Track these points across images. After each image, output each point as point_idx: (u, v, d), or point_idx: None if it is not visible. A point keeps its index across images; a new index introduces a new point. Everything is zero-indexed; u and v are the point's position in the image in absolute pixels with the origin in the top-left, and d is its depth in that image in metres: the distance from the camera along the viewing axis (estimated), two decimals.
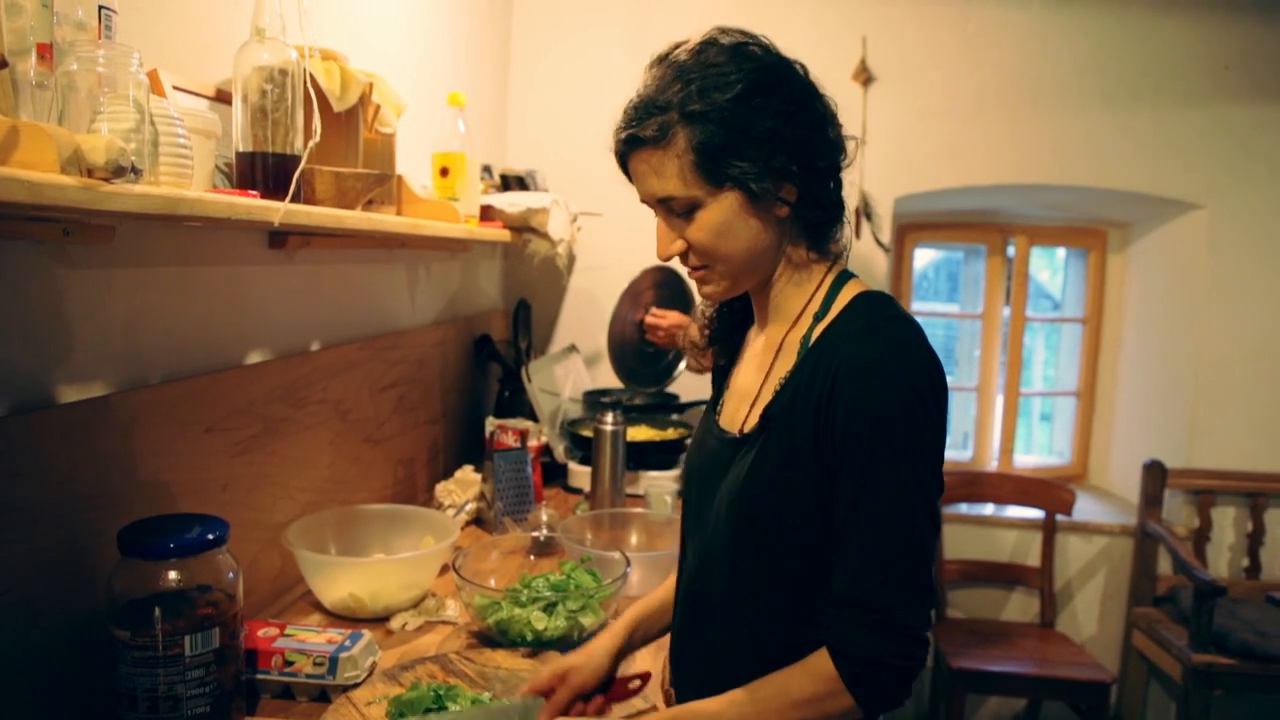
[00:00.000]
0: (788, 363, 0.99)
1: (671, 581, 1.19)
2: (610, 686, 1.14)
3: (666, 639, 1.18)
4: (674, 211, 0.98)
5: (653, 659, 1.32)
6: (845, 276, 1.03)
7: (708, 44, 0.95)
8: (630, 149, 0.97)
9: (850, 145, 1.01)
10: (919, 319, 1.02)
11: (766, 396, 1.00)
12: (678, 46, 0.97)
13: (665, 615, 1.19)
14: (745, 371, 1.09)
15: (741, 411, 1.05)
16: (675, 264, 1.06)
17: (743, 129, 0.92)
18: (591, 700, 1.12)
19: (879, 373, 0.89)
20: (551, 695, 1.10)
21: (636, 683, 1.16)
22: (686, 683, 1.10)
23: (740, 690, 0.94)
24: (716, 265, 0.99)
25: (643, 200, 1.01)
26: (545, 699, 1.10)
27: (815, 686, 0.90)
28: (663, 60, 0.97)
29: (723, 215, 0.95)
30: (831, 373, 0.91)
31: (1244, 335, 3.00)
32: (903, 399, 0.89)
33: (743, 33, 0.96)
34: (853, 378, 0.89)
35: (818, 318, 0.99)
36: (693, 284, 1.06)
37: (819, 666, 0.91)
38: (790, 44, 1.00)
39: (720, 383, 1.16)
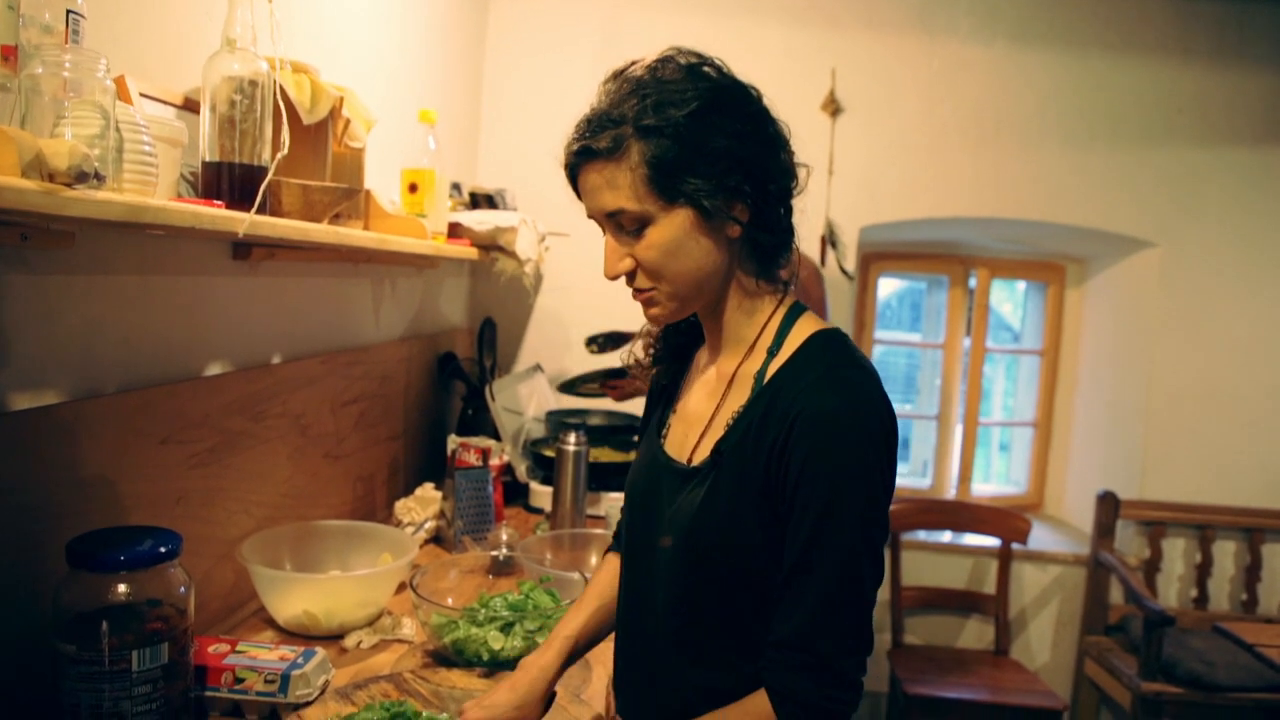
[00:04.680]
0: (741, 397, 0.99)
1: (600, 582, 1.19)
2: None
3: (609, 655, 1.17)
4: (623, 228, 0.96)
5: (600, 682, 1.31)
6: (798, 310, 1.02)
7: (664, 61, 0.95)
8: (582, 161, 0.95)
9: (802, 173, 1.00)
10: (882, 347, 1.04)
11: (718, 430, 0.99)
12: (633, 63, 0.97)
13: (603, 621, 1.17)
14: (696, 398, 1.08)
15: (690, 440, 1.04)
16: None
17: (697, 145, 0.91)
18: None
19: (838, 427, 0.90)
20: None
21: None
22: (631, 712, 1.09)
23: None
24: (664, 285, 0.97)
25: (590, 216, 0.99)
26: None
27: None
28: (618, 75, 0.96)
29: (673, 233, 0.94)
30: (789, 419, 0.91)
31: (1195, 371, 3.08)
32: (860, 454, 0.90)
33: (698, 54, 0.96)
34: (811, 428, 0.90)
35: (771, 352, 0.98)
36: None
37: (757, 708, 0.91)
38: (761, 73, 1.02)
39: (663, 404, 1.14)
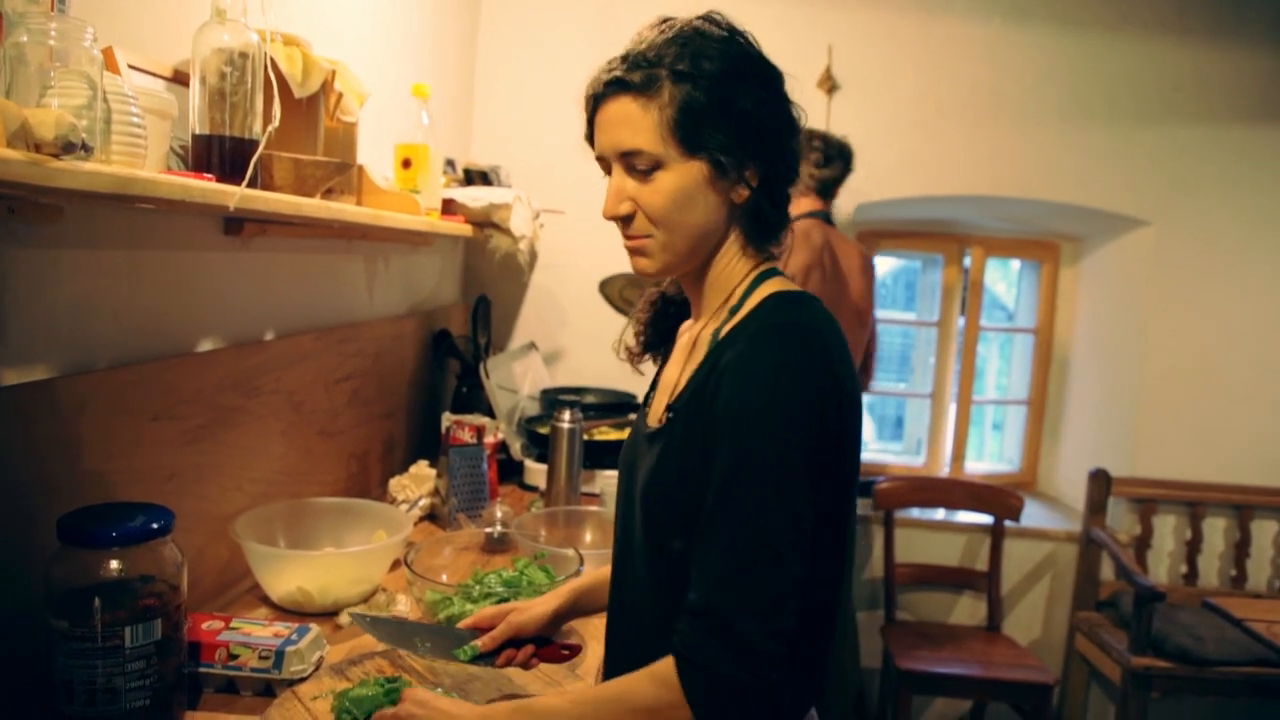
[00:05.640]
0: (699, 357, 0.99)
1: None
2: (545, 642, 1.18)
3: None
4: (634, 169, 0.95)
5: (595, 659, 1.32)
6: (768, 274, 1.01)
7: (704, 19, 0.97)
8: (611, 92, 0.95)
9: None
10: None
11: (679, 392, 1.00)
12: (671, 18, 0.98)
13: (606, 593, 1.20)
14: (672, 364, 1.09)
15: (661, 405, 1.05)
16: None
17: (726, 102, 0.92)
18: (523, 648, 1.16)
19: (756, 374, 0.87)
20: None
21: (566, 652, 1.19)
22: (615, 674, 1.10)
23: (589, 688, 0.95)
24: (660, 235, 0.96)
25: (600, 154, 0.98)
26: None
27: (656, 694, 0.86)
28: (656, 25, 0.97)
29: (685, 182, 0.94)
30: (719, 373, 0.90)
31: (1187, 349, 3.09)
32: (776, 409, 0.86)
33: (734, 26, 0.98)
34: (730, 380, 0.88)
35: (733, 311, 0.98)
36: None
37: (664, 672, 0.86)
38: None
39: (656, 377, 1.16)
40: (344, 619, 1.42)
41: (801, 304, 0.96)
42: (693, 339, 1.04)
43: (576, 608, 1.21)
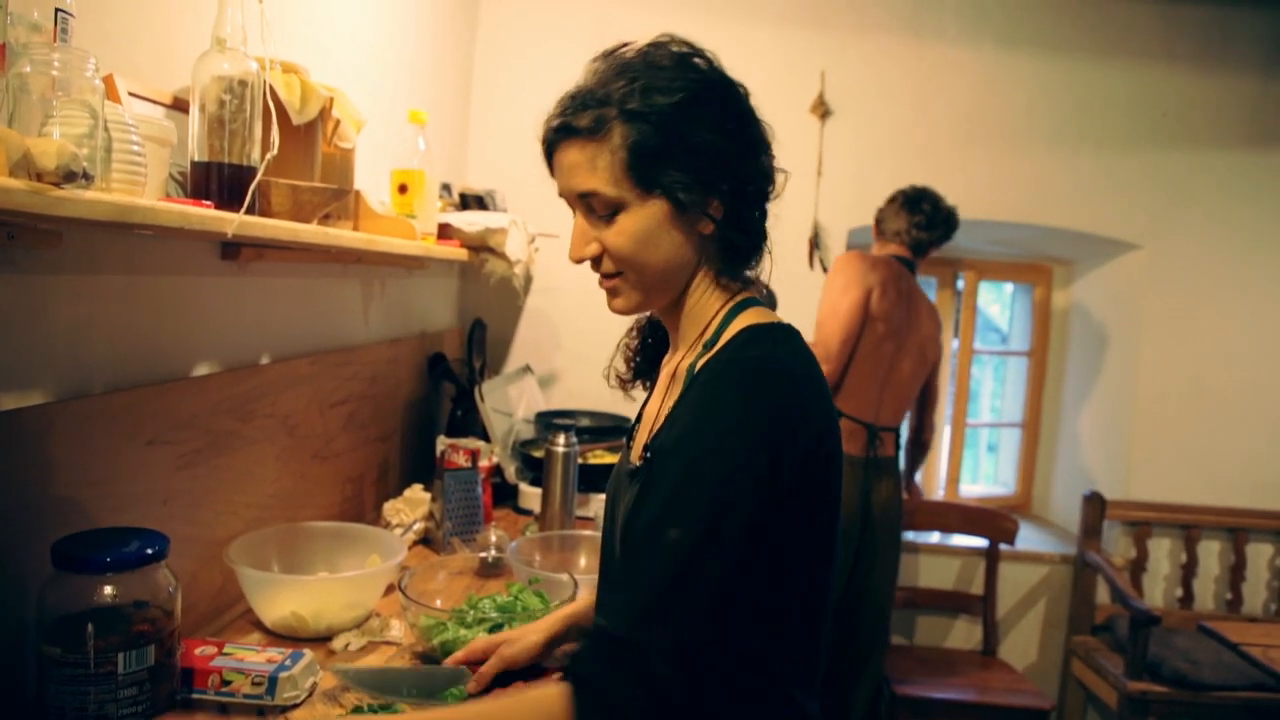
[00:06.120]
0: (676, 392, 0.97)
1: None
2: (539, 671, 1.18)
3: None
4: (594, 211, 0.94)
5: None
6: (744, 304, 0.98)
7: (655, 47, 0.93)
8: (560, 138, 0.93)
9: (780, 178, 0.99)
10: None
11: (657, 428, 0.98)
12: (624, 45, 0.95)
13: None
14: (653, 399, 1.08)
15: (641, 442, 1.03)
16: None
17: (680, 137, 0.89)
18: (512, 685, 1.15)
19: (712, 406, 0.85)
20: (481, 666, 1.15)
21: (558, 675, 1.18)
22: None
23: (472, 704, 0.95)
24: (630, 274, 0.95)
25: (562, 194, 0.97)
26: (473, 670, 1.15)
27: (532, 711, 0.80)
28: (608, 55, 0.95)
29: (646, 223, 0.92)
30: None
31: (1180, 372, 3.10)
32: (725, 438, 0.83)
33: (690, 45, 0.94)
34: (690, 409, 0.87)
35: (708, 346, 0.96)
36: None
37: (551, 698, 0.79)
38: (750, 75, 1.02)
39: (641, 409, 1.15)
40: (338, 644, 1.42)
41: (775, 338, 0.93)
42: (671, 372, 1.03)
43: (569, 635, 1.20)
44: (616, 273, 0.96)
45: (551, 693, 0.80)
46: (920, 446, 2.89)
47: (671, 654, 0.77)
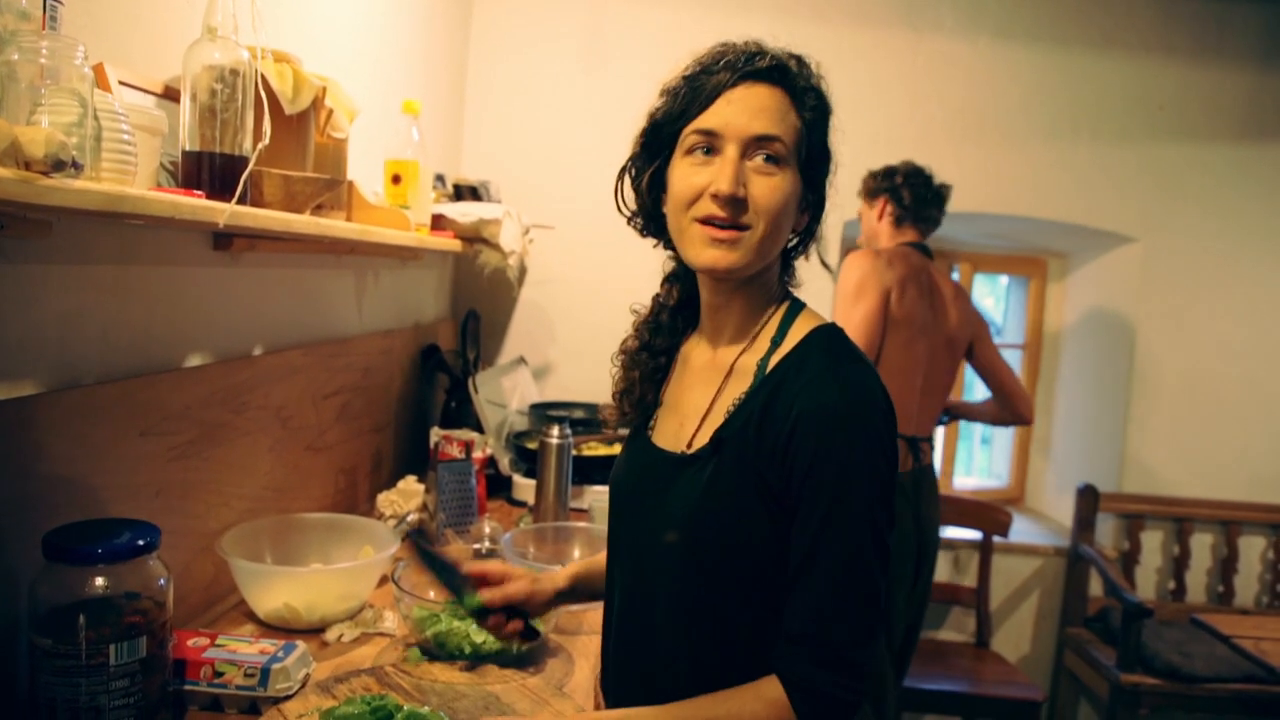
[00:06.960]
0: (741, 386, 0.99)
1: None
2: (522, 616, 1.21)
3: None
4: (758, 157, 0.94)
5: (591, 671, 1.32)
6: (799, 306, 1.05)
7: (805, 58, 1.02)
8: (763, 79, 0.95)
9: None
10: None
11: (718, 418, 0.99)
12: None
13: (596, 582, 1.22)
14: (690, 389, 1.07)
15: (687, 429, 1.03)
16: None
17: (825, 133, 1.00)
18: (513, 620, 1.20)
19: (843, 423, 0.91)
20: (486, 583, 1.21)
21: (531, 636, 1.24)
22: (626, 703, 1.09)
23: (688, 704, 0.95)
24: (756, 230, 0.94)
25: (718, 130, 0.94)
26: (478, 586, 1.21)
27: (767, 713, 0.91)
28: (759, 44, 1.00)
29: (793, 188, 0.97)
30: (792, 414, 0.91)
31: (1174, 365, 3.11)
32: (865, 449, 0.91)
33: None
34: (816, 426, 0.91)
35: (775, 343, 1.00)
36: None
37: (771, 694, 0.92)
38: None
39: (643, 406, 1.12)
40: (331, 635, 1.41)
41: (846, 339, 1.01)
42: (723, 365, 1.03)
43: (575, 591, 1.25)
44: (743, 226, 0.94)
45: (770, 691, 0.92)
46: (1018, 421, 2.64)
47: (859, 643, 0.91)
